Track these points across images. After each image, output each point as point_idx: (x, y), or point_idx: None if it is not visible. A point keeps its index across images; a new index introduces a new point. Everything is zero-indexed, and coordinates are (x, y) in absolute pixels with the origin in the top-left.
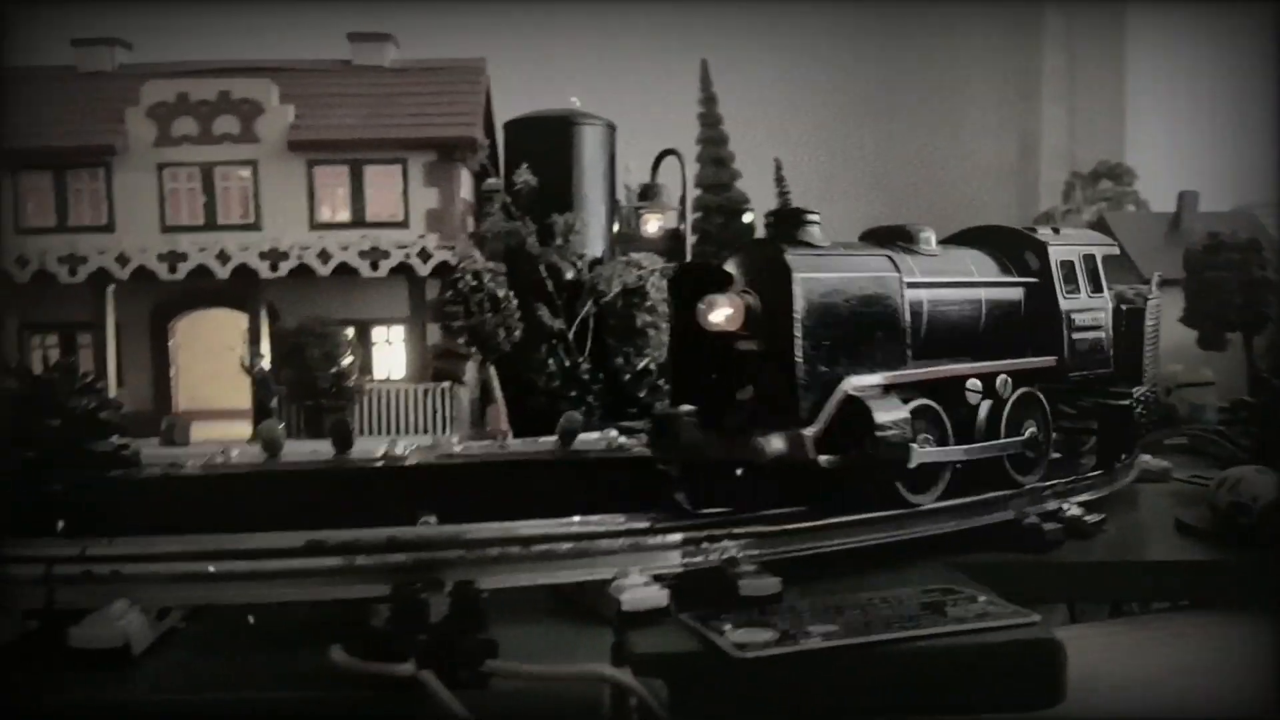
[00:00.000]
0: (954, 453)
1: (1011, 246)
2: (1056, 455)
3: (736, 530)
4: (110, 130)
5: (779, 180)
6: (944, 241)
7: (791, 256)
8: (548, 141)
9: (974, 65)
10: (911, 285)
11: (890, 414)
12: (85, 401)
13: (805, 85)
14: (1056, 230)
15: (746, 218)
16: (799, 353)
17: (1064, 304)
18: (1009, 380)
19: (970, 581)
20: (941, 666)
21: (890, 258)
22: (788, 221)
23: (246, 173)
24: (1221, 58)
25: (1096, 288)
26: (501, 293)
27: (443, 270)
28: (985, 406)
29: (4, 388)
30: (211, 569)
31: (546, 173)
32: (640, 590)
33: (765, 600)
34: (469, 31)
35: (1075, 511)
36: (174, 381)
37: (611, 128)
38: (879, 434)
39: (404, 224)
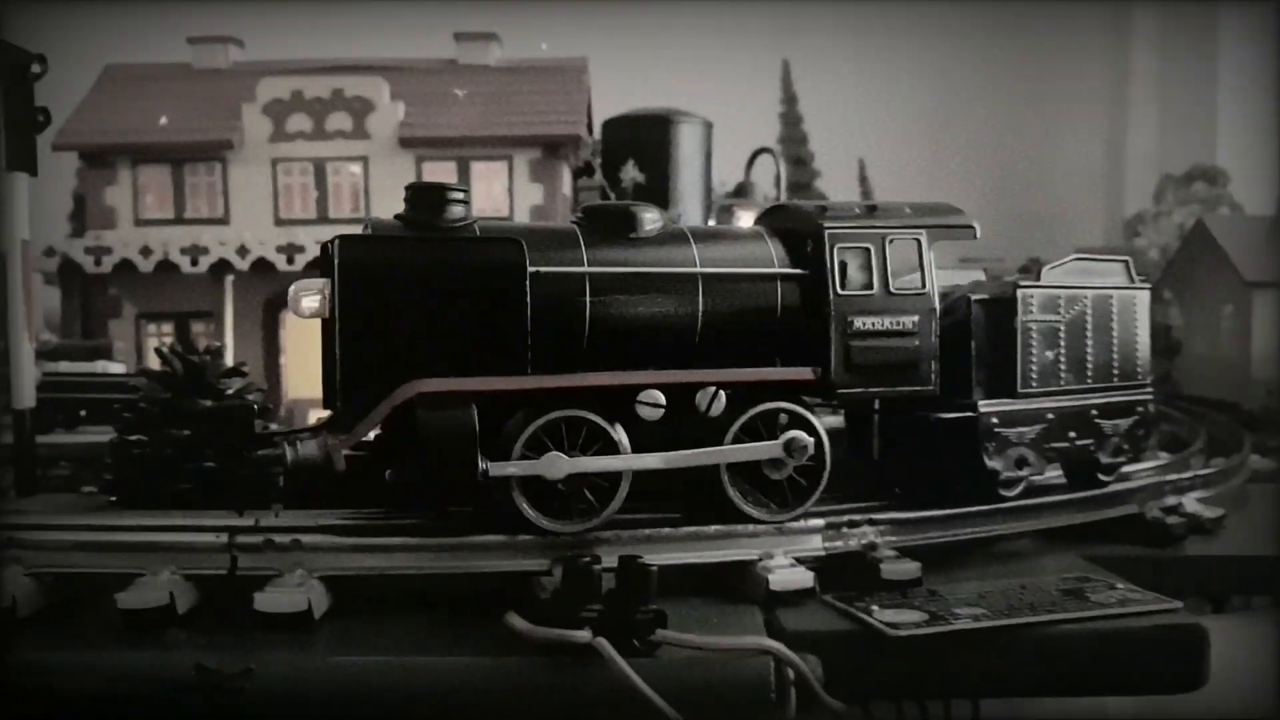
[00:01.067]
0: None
1: (800, 230)
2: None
3: (876, 517)
4: (227, 126)
5: (863, 180)
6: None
7: (338, 243)
8: (647, 139)
9: (1062, 67)
10: (553, 278)
11: (446, 425)
12: (234, 384)
13: (893, 87)
14: (873, 208)
15: None
16: (338, 349)
17: (838, 303)
18: (718, 394)
19: (1104, 570)
20: (1088, 649)
21: (520, 244)
22: (420, 199)
23: (357, 168)
24: None
25: (912, 281)
26: None
27: None
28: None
29: (161, 371)
30: (382, 541)
31: (645, 170)
32: (786, 571)
33: (906, 584)
34: (561, 30)
35: (1195, 508)
36: (284, 370)
37: (708, 125)
38: (427, 446)
39: (509, 219)
